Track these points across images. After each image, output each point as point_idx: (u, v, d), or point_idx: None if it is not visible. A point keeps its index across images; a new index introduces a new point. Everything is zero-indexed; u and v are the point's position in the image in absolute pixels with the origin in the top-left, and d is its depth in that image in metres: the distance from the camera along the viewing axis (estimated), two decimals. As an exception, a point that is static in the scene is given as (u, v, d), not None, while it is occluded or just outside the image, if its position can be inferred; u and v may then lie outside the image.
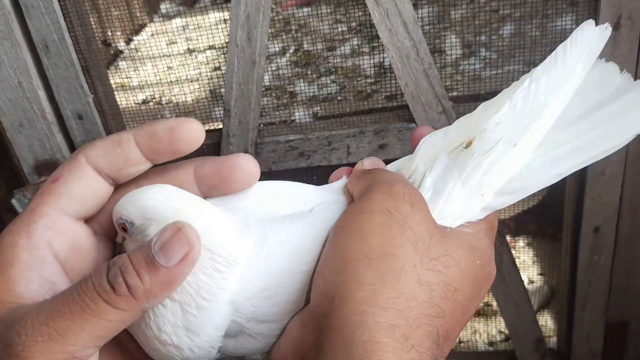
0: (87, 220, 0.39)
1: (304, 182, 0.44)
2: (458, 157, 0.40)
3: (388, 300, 0.32)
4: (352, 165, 0.45)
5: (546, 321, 1.32)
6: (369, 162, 0.44)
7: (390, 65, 0.87)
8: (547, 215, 1.42)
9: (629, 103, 0.40)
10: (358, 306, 0.32)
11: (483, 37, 1.00)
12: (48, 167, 0.94)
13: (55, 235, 0.36)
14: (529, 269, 1.48)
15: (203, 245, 0.35)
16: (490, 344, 1.35)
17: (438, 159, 0.41)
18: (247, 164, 0.39)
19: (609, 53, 0.81)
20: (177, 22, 1.28)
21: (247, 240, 0.38)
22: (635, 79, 0.41)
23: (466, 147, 0.41)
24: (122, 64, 1.21)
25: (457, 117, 0.89)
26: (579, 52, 0.40)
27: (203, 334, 0.36)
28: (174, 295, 0.35)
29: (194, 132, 0.38)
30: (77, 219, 0.37)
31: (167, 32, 1.27)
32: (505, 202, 0.40)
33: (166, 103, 1.12)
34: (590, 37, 0.41)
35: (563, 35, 0.86)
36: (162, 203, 0.36)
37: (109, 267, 0.33)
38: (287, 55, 1.17)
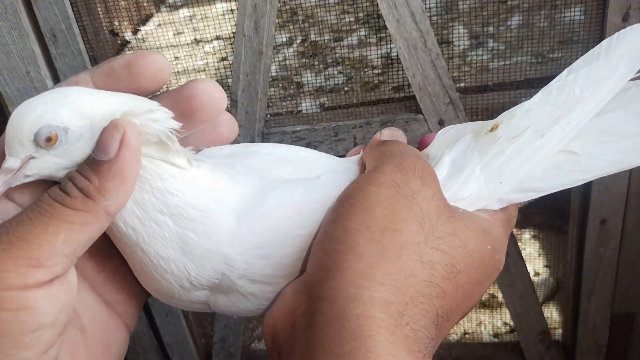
0: None
1: None
2: (481, 140, 0.39)
3: (386, 275, 0.31)
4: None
5: (551, 313, 1.32)
6: (387, 133, 0.42)
7: (397, 56, 0.86)
8: (554, 207, 1.41)
9: None
10: (354, 279, 0.31)
11: (491, 28, 0.99)
12: (56, 157, 0.95)
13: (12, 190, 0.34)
14: (534, 260, 1.48)
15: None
16: (495, 335, 1.36)
17: (461, 140, 0.40)
18: (206, 90, 0.36)
19: (618, 44, 0.81)
20: (184, 12, 1.28)
21: (242, 189, 0.37)
22: None
23: (491, 131, 0.39)
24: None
25: (465, 109, 0.90)
26: (625, 50, 0.39)
27: (201, 257, 0.35)
28: (164, 209, 0.34)
29: (154, 66, 0.34)
30: None
31: (174, 22, 1.27)
32: (523, 197, 0.39)
33: (173, 93, 1.12)
34: None
35: (571, 26, 0.86)
36: (96, 100, 0.33)
37: (60, 182, 0.33)
38: (294, 45, 1.17)
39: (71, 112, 0.32)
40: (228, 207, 0.36)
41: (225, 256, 0.35)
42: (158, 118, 0.34)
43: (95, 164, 0.32)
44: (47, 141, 0.32)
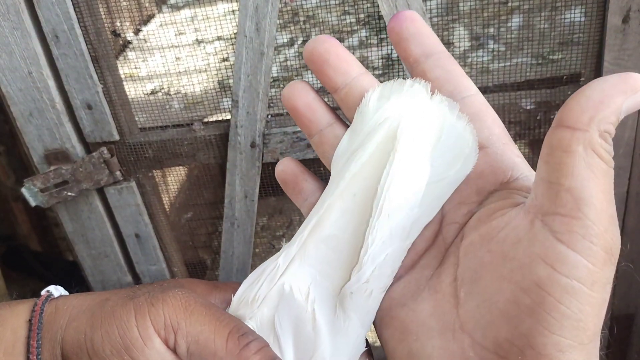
0: None
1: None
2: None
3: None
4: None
5: (551, 314, 1.32)
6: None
7: (398, 57, 0.87)
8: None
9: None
10: None
11: (491, 29, 1.00)
12: (57, 157, 0.95)
13: None
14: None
15: None
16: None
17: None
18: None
19: (618, 46, 0.81)
20: (186, 12, 1.29)
21: None
22: None
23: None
24: (131, 54, 1.21)
25: (465, 109, 0.90)
26: None
27: None
28: None
29: None
30: None
31: (175, 23, 1.28)
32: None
33: (174, 94, 1.13)
34: None
35: (572, 28, 0.86)
36: None
37: None
38: (295, 46, 1.17)
39: None
40: None
41: None
42: None
43: None
44: None
